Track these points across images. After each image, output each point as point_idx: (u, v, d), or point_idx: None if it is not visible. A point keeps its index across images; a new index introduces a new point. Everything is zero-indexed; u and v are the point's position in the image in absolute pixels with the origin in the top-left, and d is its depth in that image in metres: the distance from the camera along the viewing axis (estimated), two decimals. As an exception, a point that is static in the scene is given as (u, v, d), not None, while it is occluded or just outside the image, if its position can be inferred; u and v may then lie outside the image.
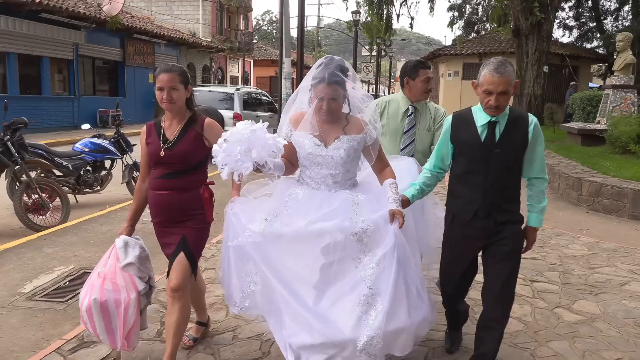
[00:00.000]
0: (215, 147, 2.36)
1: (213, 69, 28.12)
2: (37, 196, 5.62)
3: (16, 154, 5.59)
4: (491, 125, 2.50)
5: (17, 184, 5.71)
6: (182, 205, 2.67)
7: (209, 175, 2.81)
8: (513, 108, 2.55)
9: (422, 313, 2.38)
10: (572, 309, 3.63)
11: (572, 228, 5.87)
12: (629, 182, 6.79)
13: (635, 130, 9.42)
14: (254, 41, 35.38)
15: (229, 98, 11.84)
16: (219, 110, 11.03)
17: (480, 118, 2.53)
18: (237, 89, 12.10)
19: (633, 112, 11.20)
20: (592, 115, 13.36)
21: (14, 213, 5.45)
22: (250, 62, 34.47)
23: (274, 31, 58.83)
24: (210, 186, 2.79)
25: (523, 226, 2.63)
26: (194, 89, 13.72)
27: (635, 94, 11.70)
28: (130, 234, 2.79)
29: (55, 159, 6.29)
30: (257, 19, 53.45)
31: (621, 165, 8.32)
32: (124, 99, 19.33)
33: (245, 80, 31.84)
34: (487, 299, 2.60)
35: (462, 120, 2.61)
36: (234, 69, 31.99)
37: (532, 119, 2.54)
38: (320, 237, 2.37)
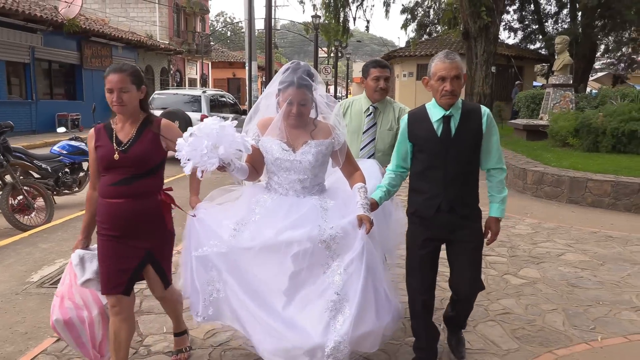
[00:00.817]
0: (180, 141, 2.30)
1: (171, 72, 28.03)
2: (22, 197, 5.85)
3: (1, 157, 5.81)
4: (446, 120, 2.56)
5: (2, 185, 5.92)
6: (140, 215, 2.49)
7: (165, 180, 2.68)
8: (465, 101, 2.64)
9: (390, 314, 2.43)
10: (518, 275, 4.30)
11: (518, 212, 6.62)
12: (567, 171, 7.65)
13: (573, 124, 10.39)
14: (212, 43, 35.36)
15: (196, 100, 12.13)
16: (186, 113, 11.43)
17: (435, 114, 2.60)
18: (204, 92, 12.40)
19: (571, 109, 12.25)
20: (536, 112, 14.42)
21: (-1, 214, 5.68)
22: (208, 64, 34.46)
23: (229, 32, 58.72)
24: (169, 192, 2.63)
25: (484, 220, 2.72)
26: (158, 92, 13.92)
27: (573, 92, 12.78)
28: (85, 246, 2.61)
29: (35, 161, 6.51)
30: (212, 20, 53.18)
31: (561, 156, 9.22)
32: (82, 102, 19.19)
33: (204, 83, 31.86)
34: (459, 294, 2.73)
35: (418, 117, 2.66)
36: (192, 71, 31.94)
37: (485, 110, 2.61)
38: (289, 247, 2.36)
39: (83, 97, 19.72)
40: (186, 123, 10.88)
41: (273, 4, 33.26)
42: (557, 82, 12.72)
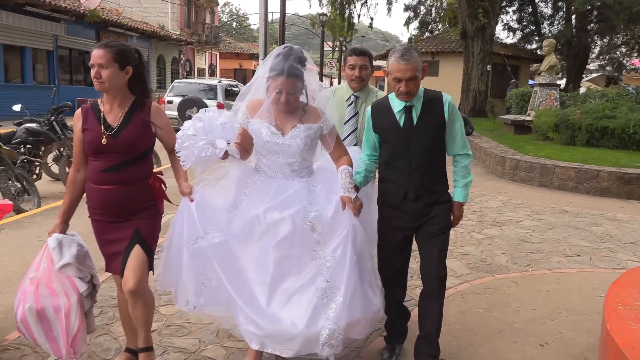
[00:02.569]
0: (187, 136, 2.32)
1: (181, 61, 29.10)
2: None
3: (60, 131, 6.96)
4: (407, 110, 2.56)
5: (60, 155, 7.07)
6: (132, 199, 2.44)
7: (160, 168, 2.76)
8: (428, 90, 2.62)
9: (378, 299, 2.50)
10: (481, 233, 5.46)
11: (493, 191, 7.77)
12: (539, 159, 8.79)
13: (553, 120, 11.51)
14: (221, 35, 36.40)
15: (212, 89, 13.24)
16: (203, 100, 12.54)
17: (397, 104, 2.60)
18: (219, 82, 13.52)
19: (556, 106, 13.36)
20: (525, 109, 15.53)
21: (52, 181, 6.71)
22: (217, 54, 35.50)
23: (234, 23, 59.66)
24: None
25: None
26: (177, 81, 15.12)
27: (558, 91, 13.88)
28: (63, 231, 2.49)
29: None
30: (218, 11, 54.12)
31: (540, 148, 10.35)
32: (71, 87, 20.29)
33: (212, 73, 32.92)
34: (424, 276, 2.67)
35: (381, 108, 2.67)
36: (201, 61, 33.01)
37: (447, 97, 2.61)
38: (276, 227, 2.40)
39: (100, 84, 20.84)
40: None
41: (280, -2, 34.29)
42: (544, 82, 13.81)
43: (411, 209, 2.61)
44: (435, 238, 2.62)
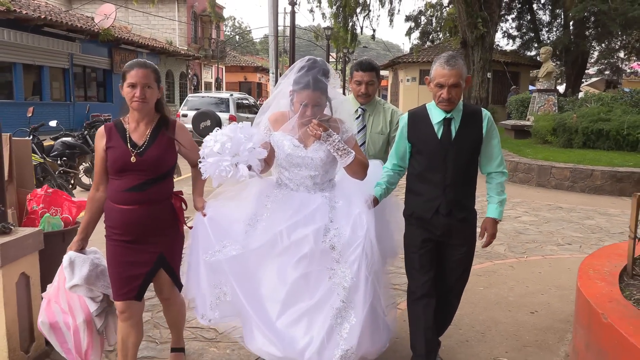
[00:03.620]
0: (211, 152, 2.30)
1: (189, 76, 29.86)
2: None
3: (92, 145, 7.57)
4: (447, 122, 2.50)
5: (93, 167, 7.67)
6: (155, 220, 2.41)
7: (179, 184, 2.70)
8: (467, 104, 2.57)
9: (387, 332, 2.48)
10: (479, 226, 5.98)
11: (494, 192, 8.32)
12: (537, 161, 9.33)
13: (551, 124, 12.07)
14: (227, 50, 37.25)
15: (223, 102, 13.89)
16: (216, 113, 13.16)
17: (436, 115, 2.52)
18: (231, 95, 14.19)
19: (554, 111, 13.90)
20: (525, 114, 16.08)
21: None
22: (222, 68, 36.30)
23: (237, 37, 60.71)
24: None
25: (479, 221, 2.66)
26: (191, 95, 15.95)
27: (555, 96, 14.42)
28: (82, 247, 2.48)
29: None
30: (223, 26, 55.19)
31: (538, 151, 10.89)
32: (112, 104, 21.05)
33: (218, 86, 33.68)
34: (443, 284, 2.66)
35: (418, 118, 2.59)
36: (208, 75, 33.79)
37: (486, 113, 2.56)
38: (298, 245, 2.36)
39: (112, 99, 21.57)
40: (217, 122, 12.60)
41: (283, 11, 35.12)
42: (542, 88, 14.38)
43: (442, 223, 2.53)
44: (460, 263, 2.63)
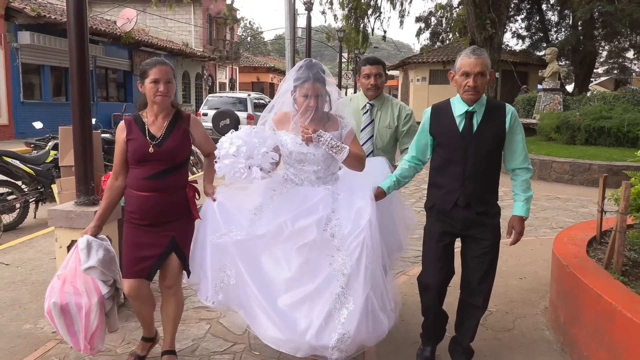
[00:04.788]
0: (226, 154, 2.46)
1: (204, 76, 30.68)
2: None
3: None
4: (469, 115, 2.51)
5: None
6: (170, 206, 2.59)
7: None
8: (491, 99, 2.58)
9: (385, 324, 2.48)
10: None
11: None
12: (539, 156, 9.90)
13: (555, 122, 12.59)
14: (241, 51, 38.08)
15: (241, 102, 14.60)
16: (235, 112, 13.86)
17: (458, 108, 2.54)
18: (249, 95, 14.90)
19: (559, 109, 14.42)
20: (531, 113, 16.60)
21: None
22: (236, 69, 37.10)
23: (249, 37, 61.65)
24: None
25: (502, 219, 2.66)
26: (211, 95, 16.84)
27: (561, 95, 14.93)
28: (96, 233, 2.61)
29: (28, 164, 6.20)
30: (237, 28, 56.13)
31: (542, 147, 11.43)
32: (131, 104, 21.91)
33: (232, 86, 34.49)
34: (466, 288, 2.64)
35: (441, 111, 2.62)
36: (222, 76, 34.61)
37: (510, 108, 2.54)
38: (301, 234, 2.47)
39: (133, 99, 22.41)
40: (235, 121, 13.32)
41: (296, 13, 35.78)
42: (548, 87, 14.90)
43: (461, 216, 2.55)
44: (484, 255, 2.57)
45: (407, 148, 3.02)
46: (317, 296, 2.41)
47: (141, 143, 2.54)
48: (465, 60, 2.46)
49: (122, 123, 2.61)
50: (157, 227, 2.58)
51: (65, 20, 13.98)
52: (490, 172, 2.57)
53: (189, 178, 2.74)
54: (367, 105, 3.27)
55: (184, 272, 2.68)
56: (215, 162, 2.53)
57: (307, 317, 2.39)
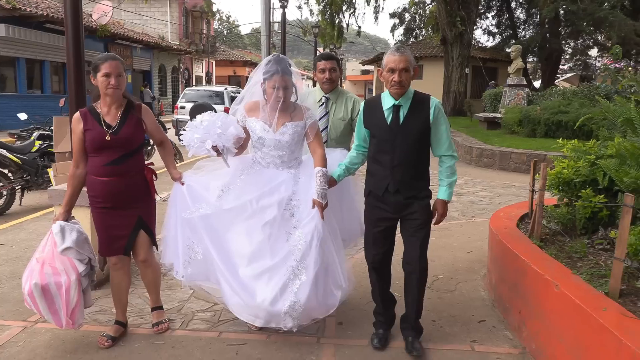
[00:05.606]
0: (190, 125, 2.78)
1: (181, 70, 30.74)
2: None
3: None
4: (395, 109, 2.72)
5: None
6: (131, 189, 2.82)
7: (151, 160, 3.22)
8: (418, 92, 2.77)
9: (335, 299, 2.81)
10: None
11: (460, 174, 9.45)
12: (499, 147, 10.57)
13: (518, 116, 13.30)
14: (217, 44, 38.09)
15: (218, 95, 14.91)
16: (212, 105, 14.16)
17: (387, 102, 2.76)
18: (225, 89, 15.21)
19: (523, 104, 15.17)
20: (497, 107, 17.36)
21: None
22: (212, 62, 37.15)
23: (225, 30, 61.46)
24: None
25: (433, 200, 2.86)
26: (188, 89, 17.02)
27: (525, 91, 15.69)
28: (66, 218, 2.82)
29: (14, 153, 6.57)
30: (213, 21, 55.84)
31: (504, 140, 12.12)
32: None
33: (209, 80, 34.57)
34: (406, 262, 2.85)
35: (372, 105, 2.85)
36: (199, 70, 34.67)
37: (434, 101, 2.75)
38: (263, 212, 2.77)
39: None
40: (212, 114, 13.67)
41: (272, 7, 36.00)
42: (512, 83, 15.64)
43: (392, 201, 2.77)
44: (417, 232, 2.77)
45: None
46: (275, 269, 2.70)
47: (98, 132, 2.74)
48: (390, 57, 2.68)
49: (77, 115, 2.80)
50: (122, 210, 2.83)
51: (41, 13, 14.04)
52: (417, 160, 2.77)
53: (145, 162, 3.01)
54: (323, 98, 3.47)
55: (153, 246, 3.03)
56: (183, 129, 2.83)
57: (265, 287, 2.68)
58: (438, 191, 2.86)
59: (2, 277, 4.00)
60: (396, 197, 2.77)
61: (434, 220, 2.88)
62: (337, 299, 2.83)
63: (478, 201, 7.15)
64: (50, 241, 2.78)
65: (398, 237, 2.95)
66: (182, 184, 2.93)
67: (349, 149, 3.44)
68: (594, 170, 3.39)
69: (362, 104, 2.99)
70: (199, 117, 2.84)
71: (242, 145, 2.94)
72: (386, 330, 3.04)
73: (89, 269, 2.87)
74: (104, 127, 2.75)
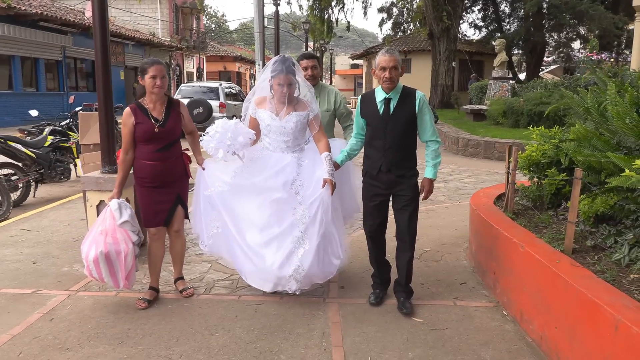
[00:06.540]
0: (207, 137, 3.25)
1: (172, 66, 30.98)
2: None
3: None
4: (387, 101, 3.17)
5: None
6: (172, 171, 3.35)
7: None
8: (406, 87, 3.21)
9: (333, 267, 3.31)
10: (431, 185, 7.74)
11: (447, 163, 10.07)
12: (484, 137, 11.15)
13: (502, 108, 13.87)
14: (207, 40, 38.30)
15: (212, 91, 15.30)
16: (208, 101, 14.57)
17: (379, 95, 3.20)
18: (220, 84, 15.60)
19: (507, 96, 15.75)
20: (484, 100, 17.95)
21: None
22: (203, 58, 37.40)
23: (213, 25, 61.53)
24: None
25: (420, 179, 3.31)
26: (184, 85, 17.46)
27: (509, 83, 16.28)
28: (119, 197, 3.35)
29: (30, 148, 6.93)
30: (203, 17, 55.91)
31: (489, 131, 12.69)
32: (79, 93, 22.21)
33: (200, 75, 34.83)
34: (398, 233, 3.32)
35: (367, 98, 3.30)
36: (190, 65, 34.91)
37: (419, 94, 3.19)
38: (271, 190, 3.24)
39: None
40: (208, 109, 14.03)
41: (263, 3, 36.27)
42: (497, 76, 16.22)
43: (384, 179, 3.22)
44: (406, 206, 3.24)
45: (349, 125, 3.88)
46: (282, 238, 3.18)
47: (149, 125, 3.25)
48: (382, 58, 3.16)
49: (128, 110, 3.28)
50: (164, 188, 3.36)
51: (35, 11, 14.39)
52: (406, 144, 3.24)
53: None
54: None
55: (186, 219, 3.57)
56: (203, 135, 3.30)
57: (274, 254, 3.17)
58: (425, 171, 3.33)
59: (37, 256, 4.46)
60: (388, 175, 3.22)
61: (421, 197, 3.34)
62: (335, 267, 3.32)
63: (463, 187, 7.70)
64: (109, 216, 3.27)
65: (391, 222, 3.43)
66: (203, 168, 3.46)
67: (331, 137, 3.87)
68: (558, 152, 3.93)
69: (359, 97, 3.45)
70: (215, 126, 3.28)
71: (256, 135, 3.43)
72: (382, 290, 3.53)
73: (139, 239, 3.38)
74: (153, 121, 3.25)
